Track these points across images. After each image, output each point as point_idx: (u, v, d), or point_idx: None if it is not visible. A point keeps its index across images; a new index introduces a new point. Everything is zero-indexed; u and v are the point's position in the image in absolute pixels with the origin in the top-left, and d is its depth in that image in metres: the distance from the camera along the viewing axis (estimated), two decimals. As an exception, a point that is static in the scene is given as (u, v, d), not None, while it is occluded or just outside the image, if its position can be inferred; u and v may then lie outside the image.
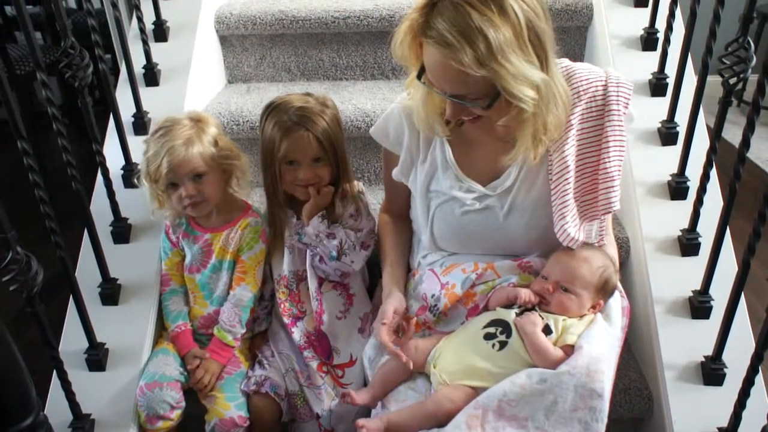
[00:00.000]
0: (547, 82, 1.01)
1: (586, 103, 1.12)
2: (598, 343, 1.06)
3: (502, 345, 1.08)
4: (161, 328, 1.45)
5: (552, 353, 1.05)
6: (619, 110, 1.11)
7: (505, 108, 1.02)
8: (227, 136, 1.48)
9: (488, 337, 1.10)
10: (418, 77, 1.07)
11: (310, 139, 1.26)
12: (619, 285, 1.22)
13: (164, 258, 1.42)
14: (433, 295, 1.21)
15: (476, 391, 1.06)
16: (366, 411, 1.25)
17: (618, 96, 1.11)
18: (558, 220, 1.11)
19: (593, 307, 1.13)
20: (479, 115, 1.06)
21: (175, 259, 1.41)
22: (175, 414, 1.30)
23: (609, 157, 1.11)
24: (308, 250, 1.35)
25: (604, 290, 1.14)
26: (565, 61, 1.16)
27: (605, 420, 1.01)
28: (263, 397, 1.32)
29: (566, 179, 1.11)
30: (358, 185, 1.42)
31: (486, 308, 1.18)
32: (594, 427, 1.01)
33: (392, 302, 1.19)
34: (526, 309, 1.11)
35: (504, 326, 1.10)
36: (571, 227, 1.11)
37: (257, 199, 1.49)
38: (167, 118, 1.32)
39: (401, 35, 1.03)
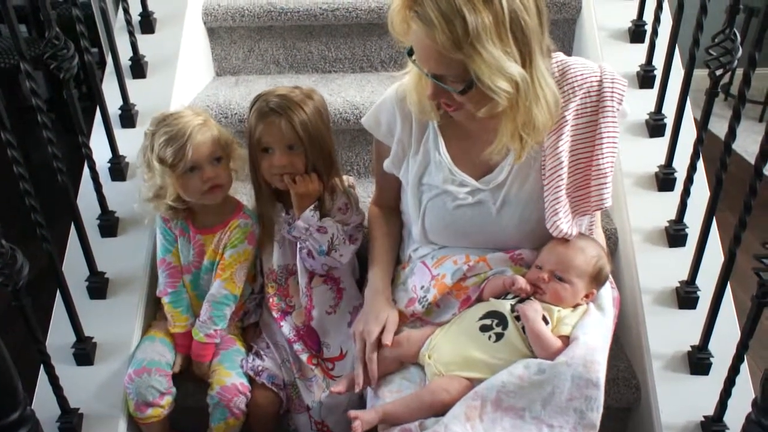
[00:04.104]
0: (526, 79, 0.99)
1: (581, 98, 1.11)
2: (593, 333, 1.07)
3: (499, 337, 1.09)
4: (151, 319, 1.44)
5: (552, 342, 1.05)
6: (613, 107, 1.11)
7: (482, 98, 1.01)
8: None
9: (484, 328, 1.10)
10: (409, 54, 1.06)
11: (283, 125, 1.25)
12: (610, 275, 1.23)
13: (170, 249, 1.38)
14: (422, 287, 1.21)
15: (472, 383, 1.07)
16: (360, 402, 1.25)
17: (612, 92, 1.11)
18: (551, 216, 1.11)
19: (586, 296, 1.14)
20: (460, 104, 1.05)
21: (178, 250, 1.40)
22: (165, 401, 1.29)
23: (602, 154, 1.11)
24: (297, 243, 1.35)
25: (598, 279, 1.15)
26: (560, 55, 1.15)
27: (601, 409, 1.02)
28: (261, 388, 1.32)
29: (559, 175, 1.11)
30: (349, 179, 1.42)
31: (479, 299, 1.18)
32: (589, 416, 1.01)
33: (393, 323, 1.18)
34: (520, 299, 1.12)
35: (500, 318, 1.10)
36: (564, 223, 1.11)
37: (247, 191, 1.48)
38: (164, 112, 1.31)
39: (396, 5, 1.02)
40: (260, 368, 1.33)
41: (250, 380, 1.32)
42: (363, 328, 1.19)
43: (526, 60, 1.00)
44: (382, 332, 1.17)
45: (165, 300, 1.38)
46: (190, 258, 1.38)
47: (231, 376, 1.30)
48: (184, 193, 1.30)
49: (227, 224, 1.36)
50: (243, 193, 1.48)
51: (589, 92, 1.11)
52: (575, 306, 1.13)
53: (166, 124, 1.27)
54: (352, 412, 1.06)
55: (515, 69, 0.97)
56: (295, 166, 1.29)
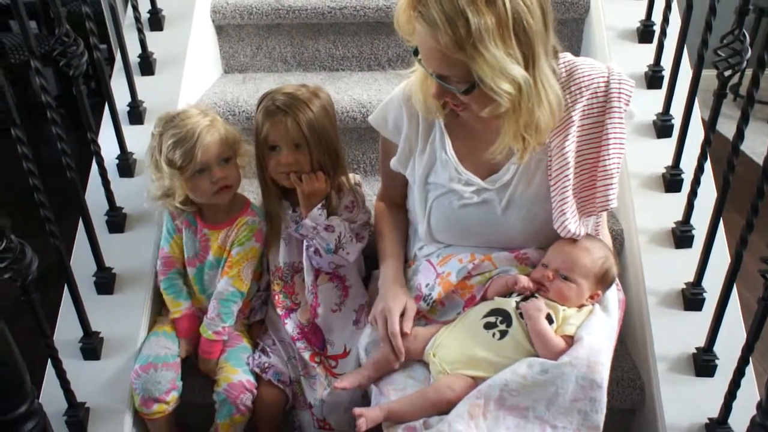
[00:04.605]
0: (528, 81, 0.99)
1: (588, 99, 1.11)
2: (597, 334, 1.07)
3: (503, 334, 1.09)
4: (156, 314, 1.45)
5: (554, 341, 1.05)
6: (620, 107, 1.11)
7: (485, 99, 1.01)
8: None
9: (488, 326, 1.10)
10: (415, 53, 1.06)
11: (289, 123, 1.25)
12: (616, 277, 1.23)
13: (169, 240, 1.40)
14: (427, 285, 1.22)
15: (476, 381, 1.07)
16: (364, 401, 1.26)
17: (620, 93, 1.11)
18: (558, 216, 1.12)
19: (591, 297, 1.14)
20: (466, 104, 1.06)
21: (180, 242, 1.40)
22: (171, 397, 1.30)
23: (609, 155, 1.10)
24: (304, 241, 1.35)
25: (604, 280, 1.15)
26: (568, 56, 1.15)
27: (604, 410, 1.02)
28: (268, 385, 1.33)
29: (566, 175, 1.11)
30: (355, 177, 1.42)
31: (484, 298, 1.18)
32: (593, 418, 1.02)
33: (412, 310, 1.19)
34: (525, 297, 1.12)
35: (504, 315, 1.10)
36: (572, 223, 1.11)
37: (254, 189, 1.49)
38: (170, 112, 1.31)
39: (402, 5, 1.03)
40: (266, 365, 1.34)
41: (257, 377, 1.33)
42: (383, 307, 1.19)
43: (529, 62, 1.00)
44: (401, 316, 1.17)
45: (161, 288, 1.40)
46: (195, 251, 1.39)
47: (238, 373, 1.31)
48: (193, 194, 1.31)
49: (234, 221, 1.37)
50: (250, 190, 1.49)
51: (596, 93, 1.11)
52: (580, 306, 1.13)
53: (173, 125, 1.26)
54: (357, 410, 1.06)
55: (518, 71, 0.98)
56: (302, 164, 1.29)
